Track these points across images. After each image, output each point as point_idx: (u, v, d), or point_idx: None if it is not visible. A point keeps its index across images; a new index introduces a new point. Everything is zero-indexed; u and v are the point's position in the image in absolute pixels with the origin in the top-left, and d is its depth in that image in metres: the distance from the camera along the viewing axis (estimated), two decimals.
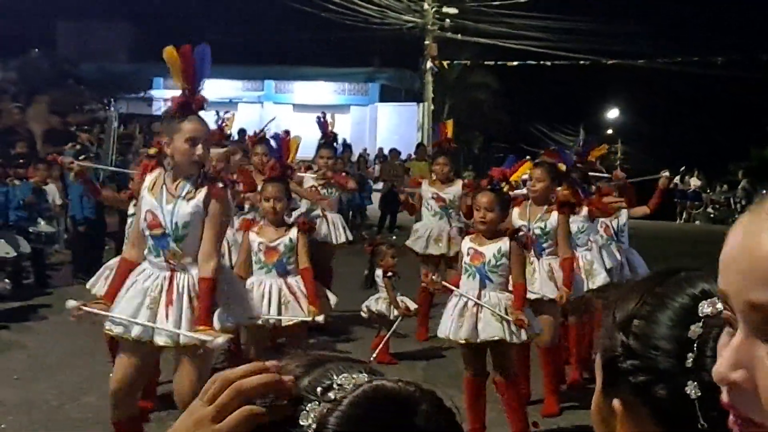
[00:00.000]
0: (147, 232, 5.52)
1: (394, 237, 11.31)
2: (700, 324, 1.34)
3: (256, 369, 1.19)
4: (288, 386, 1.19)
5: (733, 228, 1.08)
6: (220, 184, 5.53)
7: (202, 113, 5.55)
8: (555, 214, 7.90)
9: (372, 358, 8.32)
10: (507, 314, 6.50)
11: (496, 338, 6.51)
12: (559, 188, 8.13)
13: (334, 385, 1.19)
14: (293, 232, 7.17)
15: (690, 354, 1.32)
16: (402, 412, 1.17)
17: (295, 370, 1.22)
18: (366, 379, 1.20)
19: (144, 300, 5.42)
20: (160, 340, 5.40)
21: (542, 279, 7.73)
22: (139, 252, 5.62)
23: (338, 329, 9.97)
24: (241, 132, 17.99)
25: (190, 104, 5.47)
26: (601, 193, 9.30)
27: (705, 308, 1.35)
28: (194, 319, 5.37)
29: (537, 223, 7.92)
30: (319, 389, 1.18)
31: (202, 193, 5.46)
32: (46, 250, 13.67)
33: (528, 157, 8.49)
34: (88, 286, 7.51)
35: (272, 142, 9.68)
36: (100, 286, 7.20)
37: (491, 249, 6.62)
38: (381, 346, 8.79)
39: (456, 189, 10.25)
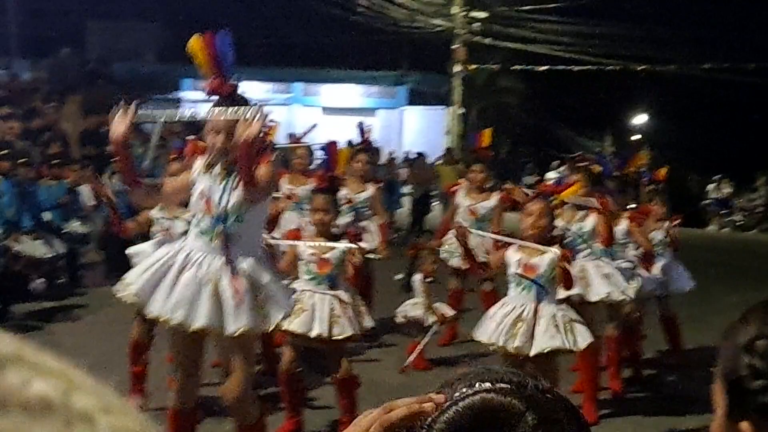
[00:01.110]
0: (201, 215, 5.50)
1: (429, 241, 11.28)
2: None
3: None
4: (430, 412, 1.19)
5: None
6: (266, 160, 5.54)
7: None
8: (592, 217, 7.92)
9: (406, 364, 8.31)
10: (564, 328, 6.45)
11: (552, 348, 6.44)
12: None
13: (456, 393, 1.22)
14: (344, 244, 7.07)
15: None
16: (501, 427, 1.19)
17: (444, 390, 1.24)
18: (484, 388, 1.21)
19: (202, 288, 5.40)
20: (234, 327, 5.36)
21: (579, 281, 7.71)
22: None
23: (373, 334, 9.92)
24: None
25: (217, 92, 5.49)
26: (642, 209, 9.26)
27: None
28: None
29: (577, 224, 7.95)
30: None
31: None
32: (80, 250, 13.73)
33: (577, 175, 8.40)
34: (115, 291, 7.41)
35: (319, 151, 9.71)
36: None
37: (544, 260, 6.55)
38: (417, 351, 8.77)
39: (491, 203, 10.21)
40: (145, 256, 6.51)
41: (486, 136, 11.37)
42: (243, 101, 5.52)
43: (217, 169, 5.51)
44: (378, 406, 1.24)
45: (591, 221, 7.91)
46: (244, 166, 5.24)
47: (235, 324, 5.33)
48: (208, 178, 5.53)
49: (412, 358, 8.64)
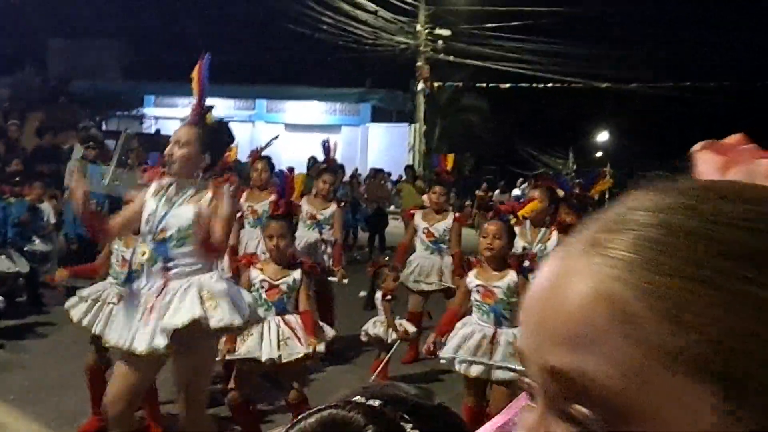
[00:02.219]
0: (149, 237, 5.52)
1: (387, 258, 11.29)
2: None
3: None
4: None
5: (544, 262, 0.86)
6: (225, 186, 5.56)
7: None
8: (555, 235, 7.96)
9: (370, 382, 8.31)
10: None
11: (511, 379, 6.46)
12: (557, 210, 8.19)
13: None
14: (297, 273, 7.02)
15: None
16: None
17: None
18: (335, 403, 1.26)
19: (138, 312, 5.43)
20: (139, 347, 5.35)
21: None
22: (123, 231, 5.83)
23: (337, 352, 9.89)
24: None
25: (193, 113, 5.64)
26: None
27: None
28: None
29: (538, 245, 7.97)
30: None
31: (207, 198, 5.50)
32: (41, 269, 13.60)
33: (534, 192, 8.44)
34: (66, 307, 7.33)
35: (275, 177, 9.74)
36: (79, 312, 7.13)
37: (501, 286, 6.56)
38: (380, 369, 8.76)
39: (447, 223, 10.26)
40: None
41: (450, 160, 11.46)
42: (212, 126, 5.64)
43: (165, 191, 5.54)
44: None
45: (554, 240, 7.94)
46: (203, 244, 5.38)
47: (139, 343, 5.35)
48: (156, 201, 5.57)
49: (375, 375, 8.63)
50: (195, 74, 5.69)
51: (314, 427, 1.23)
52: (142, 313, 5.42)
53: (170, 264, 5.47)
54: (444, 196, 10.44)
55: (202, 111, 5.66)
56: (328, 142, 11.54)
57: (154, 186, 5.68)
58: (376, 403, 1.24)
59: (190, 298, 5.35)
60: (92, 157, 16.19)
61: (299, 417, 1.26)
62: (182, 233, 5.46)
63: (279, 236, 7.03)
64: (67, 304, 7.28)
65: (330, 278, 10.04)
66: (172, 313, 5.34)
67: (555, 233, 7.94)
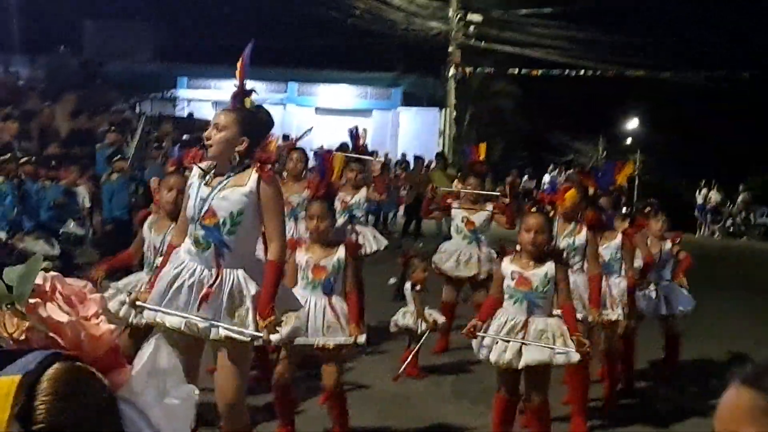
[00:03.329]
0: (197, 223, 5.55)
1: (421, 245, 11.34)
2: None
3: None
4: None
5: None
6: (269, 167, 5.59)
7: None
8: (584, 232, 7.97)
9: (400, 372, 8.39)
10: (555, 341, 6.50)
11: (540, 362, 6.52)
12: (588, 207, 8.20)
13: None
14: (341, 253, 7.06)
15: None
16: None
17: None
18: None
19: (191, 296, 5.47)
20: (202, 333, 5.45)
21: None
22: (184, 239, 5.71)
23: (366, 343, 9.94)
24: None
25: (234, 98, 5.75)
26: (638, 223, 9.34)
27: None
28: (258, 307, 5.45)
29: (565, 239, 7.97)
30: None
31: (253, 179, 5.51)
32: (75, 252, 13.78)
33: (570, 181, 8.47)
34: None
35: (314, 159, 9.82)
36: (114, 305, 7.13)
37: (538, 274, 6.58)
38: (410, 359, 8.84)
39: (486, 213, 10.30)
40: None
41: (482, 150, 11.48)
42: (250, 110, 5.74)
43: (207, 174, 5.62)
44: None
45: (583, 236, 7.97)
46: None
47: (214, 331, 5.42)
48: (202, 187, 5.59)
49: (405, 366, 8.71)
50: (240, 61, 5.78)
51: None
52: (191, 297, 5.47)
53: (224, 250, 5.50)
54: (479, 188, 10.47)
55: (242, 95, 5.73)
56: (356, 129, 11.57)
57: (196, 169, 5.71)
58: None
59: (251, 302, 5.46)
60: (116, 140, 16.35)
61: None
62: (234, 219, 5.47)
63: (319, 217, 7.06)
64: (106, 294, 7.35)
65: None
66: (240, 321, 5.44)
67: (584, 229, 7.97)
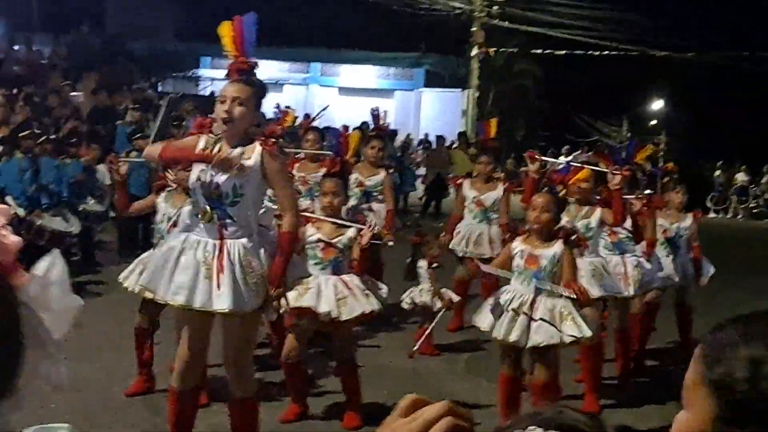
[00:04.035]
0: (201, 195, 5.58)
1: (441, 224, 11.34)
2: None
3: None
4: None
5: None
6: (272, 141, 5.59)
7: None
8: (598, 211, 7.93)
9: (415, 350, 8.39)
10: (564, 319, 6.49)
11: (549, 344, 6.50)
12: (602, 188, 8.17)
13: None
14: (352, 232, 7.07)
15: None
16: None
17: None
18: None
19: (200, 269, 5.48)
20: (219, 307, 5.46)
21: (585, 277, 7.73)
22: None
23: (381, 320, 9.97)
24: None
25: (235, 67, 5.61)
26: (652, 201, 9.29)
27: None
28: (269, 276, 5.52)
29: (581, 221, 7.94)
30: None
31: (257, 152, 5.52)
32: (94, 229, 13.83)
33: (583, 161, 8.44)
34: (120, 279, 7.40)
35: (330, 135, 9.80)
36: (133, 280, 7.12)
37: (547, 254, 6.58)
38: (424, 337, 8.85)
39: (497, 193, 10.30)
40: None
41: (492, 127, 11.48)
42: (261, 84, 5.69)
43: (217, 148, 5.59)
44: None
45: (597, 216, 7.93)
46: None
47: (220, 303, 5.43)
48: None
49: (419, 343, 8.71)
50: (227, 31, 5.62)
51: None
52: (198, 269, 5.49)
53: (227, 221, 5.52)
54: (490, 165, 10.46)
55: (252, 68, 5.68)
56: (377, 109, 11.57)
57: (203, 140, 5.70)
58: None
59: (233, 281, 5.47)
60: (137, 119, 16.36)
61: None
62: (237, 191, 5.49)
63: (333, 193, 7.08)
64: (121, 276, 7.39)
65: (377, 241, 10.12)
66: (251, 294, 5.48)
67: (599, 209, 7.93)
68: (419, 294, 9.21)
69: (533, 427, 1.26)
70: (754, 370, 1.42)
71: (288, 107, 11.82)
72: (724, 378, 1.45)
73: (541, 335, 6.45)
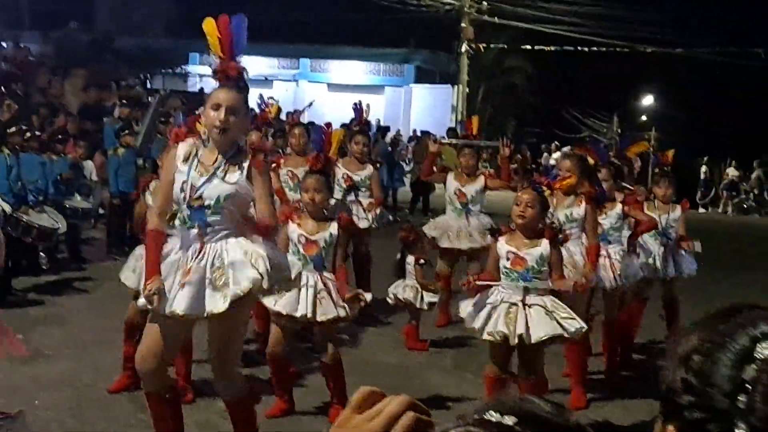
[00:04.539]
0: (184, 204, 5.50)
1: (430, 220, 11.33)
2: (755, 366, 1.34)
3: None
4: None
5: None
6: (262, 156, 5.54)
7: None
8: (583, 205, 7.92)
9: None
10: (555, 313, 6.49)
11: (552, 335, 6.50)
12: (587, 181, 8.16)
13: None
14: (334, 228, 7.01)
15: (742, 395, 1.32)
16: None
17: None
18: (471, 421, 1.24)
19: (175, 277, 5.41)
20: (179, 310, 5.33)
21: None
22: (164, 221, 5.63)
23: (371, 315, 9.94)
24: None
25: (225, 72, 5.51)
26: (633, 193, 9.30)
27: (764, 350, 1.35)
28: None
29: (562, 211, 7.91)
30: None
31: (245, 167, 5.45)
32: (81, 226, 13.79)
33: (565, 162, 8.42)
34: (122, 279, 7.29)
35: (313, 132, 9.82)
36: (130, 278, 7.12)
37: (533, 255, 6.56)
38: (411, 332, 8.85)
39: (478, 185, 10.35)
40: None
41: (474, 123, 11.71)
42: (245, 88, 5.62)
43: (205, 157, 5.55)
44: (371, 386, 1.29)
45: (581, 209, 7.90)
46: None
47: (177, 305, 5.35)
48: (187, 167, 5.50)
49: (407, 341, 8.71)
50: (212, 29, 5.50)
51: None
52: (177, 274, 5.45)
53: (207, 229, 5.45)
54: (473, 159, 10.54)
55: (241, 73, 5.58)
56: (360, 104, 11.61)
57: (182, 149, 5.59)
58: (511, 421, 1.23)
59: (240, 261, 5.38)
60: (125, 115, 16.35)
61: None
62: (220, 203, 5.42)
63: (315, 190, 7.03)
64: (122, 276, 7.34)
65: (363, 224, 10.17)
66: (233, 279, 5.34)
67: (583, 203, 7.91)
68: (402, 290, 9.19)
69: (492, 412, 1.24)
70: (686, 364, 1.41)
71: (271, 98, 11.83)
72: (667, 377, 1.44)
73: (542, 329, 6.43)
